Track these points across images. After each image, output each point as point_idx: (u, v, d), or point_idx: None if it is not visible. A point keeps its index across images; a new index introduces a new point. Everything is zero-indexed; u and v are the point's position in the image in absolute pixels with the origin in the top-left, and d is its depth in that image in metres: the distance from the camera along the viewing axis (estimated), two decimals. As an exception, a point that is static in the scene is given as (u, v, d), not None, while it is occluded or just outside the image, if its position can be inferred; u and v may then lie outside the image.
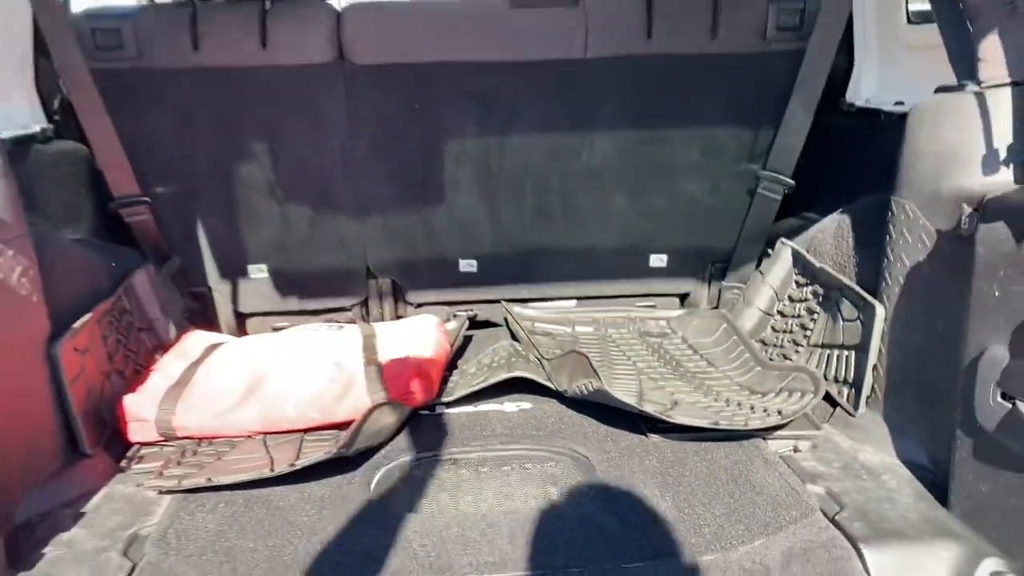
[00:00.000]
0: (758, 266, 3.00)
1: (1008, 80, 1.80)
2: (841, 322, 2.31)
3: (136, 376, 2.34)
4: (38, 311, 1.98)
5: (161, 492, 1.96)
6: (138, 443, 2.19)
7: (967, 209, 1.76)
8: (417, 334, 2.52)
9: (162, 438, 2.18)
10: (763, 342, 2.72)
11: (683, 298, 3.23)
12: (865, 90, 3.08)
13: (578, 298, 3.18)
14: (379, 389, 2.18)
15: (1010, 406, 1.59)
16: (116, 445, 2.17)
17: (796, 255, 2.67)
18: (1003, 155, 1.75)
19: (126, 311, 2.49)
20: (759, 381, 2.46)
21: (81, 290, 2.29)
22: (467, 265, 3.05)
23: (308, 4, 2.69)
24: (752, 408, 2.24)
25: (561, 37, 2.71)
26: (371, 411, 2.04)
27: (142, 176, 2.74)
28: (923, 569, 1.66)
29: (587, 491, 1.95)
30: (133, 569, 1.68)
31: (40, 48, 2.75)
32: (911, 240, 1.99)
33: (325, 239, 2.94)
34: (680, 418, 2.08)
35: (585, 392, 2.21)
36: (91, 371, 2.16)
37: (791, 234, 2.80)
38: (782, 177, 2.84)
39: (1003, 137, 1.76)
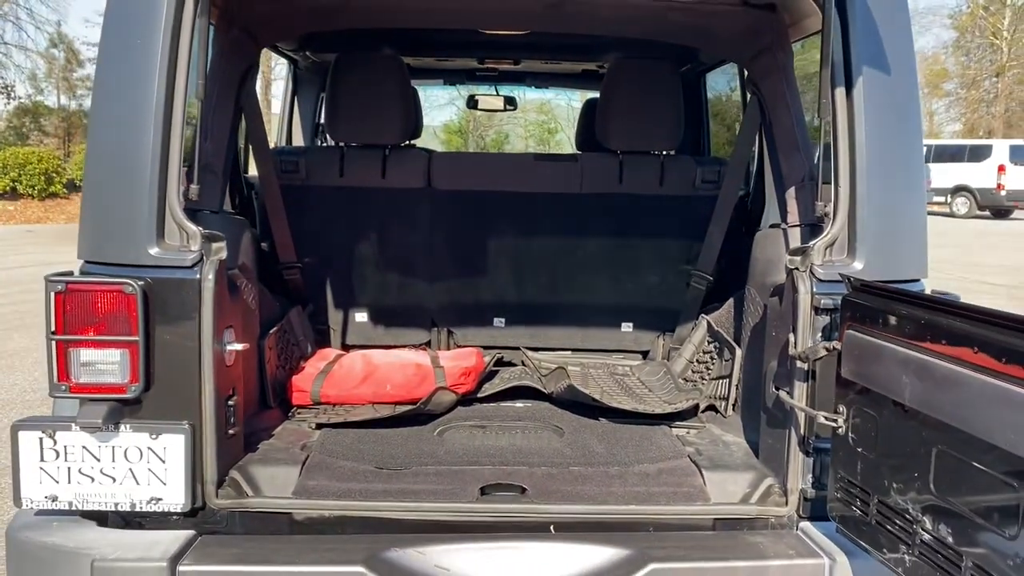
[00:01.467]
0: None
1: (798, 223, 3.32)
2: (722, 361, 3.79)
3: (291, 372, 3.87)
4: (256, 320, 3.53)
5: (318, 426, 3.46)
6: (297, 405, 3.70)
7: (769, 290, 3.26)
8: (464, 355, 4.05)
9: (311, 403, 3.69)
10: (685, 379, 4.19)
11: (644, 354, 4.72)
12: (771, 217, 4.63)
13: (572, 350, 4.68)
14: (442, 380, 3.70)
15: (776, 392, 3.02)
16: (283, 405, 3.69)
17: (709, 324, 4.17)
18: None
19: (286, 332, 4.06)
20: (672, 397, 3.93)
21: (269, 315, 3.87)
22: (499, 322, 4.59)
23: (412, 152, 4.37)
24: (662, 408, 3.71)
25: (565, 179, 4.34)
26: (436, 390, 3.55)
27: (298, 250, 4.35)
28: (734, 482, 3.06)
29: (558, 440, 3.42)
30: (308, 456, 3.15)
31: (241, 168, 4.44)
32: (752, 309, 3.48)
33: (406, 298, 4.51)
34: (613, 404, 3.55)
35: (562, 390, 3.70)
36: (273, 361, 3.70)
37: (708, 311, 4.31)
38: (704, 274, 4.36)
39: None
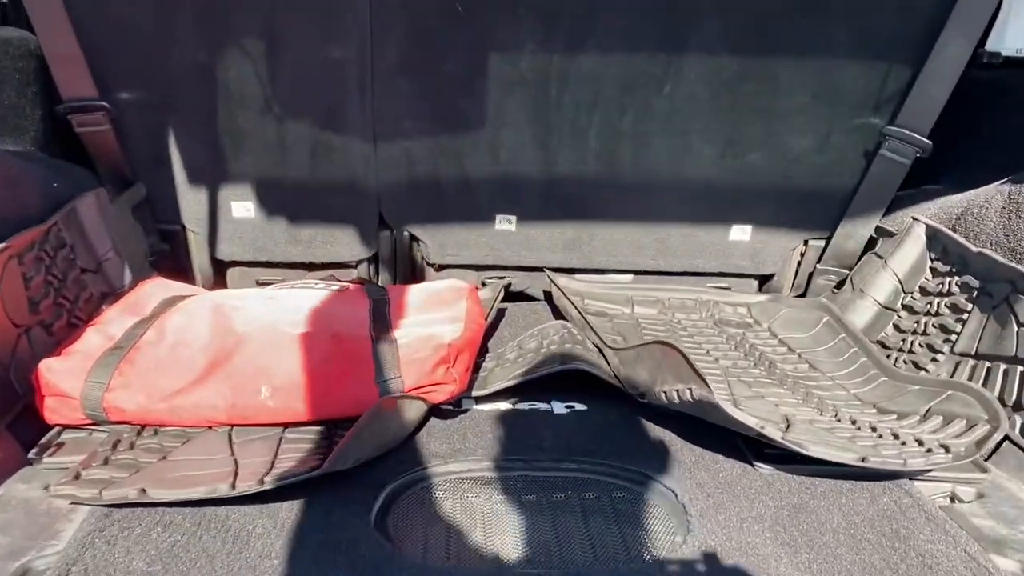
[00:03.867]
0: (868, 248, 2.40)
1: None
2: (1015, 327, 1.71)
3: (71, 333, 1.74)
4: None
5: (75, 503, 1.38)
6: (58, 425, 1.60)
7: None
8: (443, 303, 1.92)
9: (90, 421, 1.58)
10: (882, 344, 2.12)
11: (763, 280, 2.62)
12: (1014, 38, 2.47)
13: (635, 272, 2.57)
14: (392, 376, 1.58)
15: None
16: (26, 427, 1.58)
17: (934, 235, 2.08)
18: None
19: (64, 245, 1.90)
20: (889, 397, 1.87)
21: (4, 215, 1.70)
22: (505, 221, 2.44)
23: None
24: (897, 437, 1.64)
25: None
26: (378, 409, 1.44)
27: (101, 76, 2.13)
28: None
29: (683, 547, 1.36)
30: None
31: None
32: None
33: (330, 174, 2.32)
34: (815, 449, 1.49)
35: (676, 401, 1.61)
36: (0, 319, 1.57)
37: (920, 209, 2.20)
38: (916, 136, 2.22)
39: None
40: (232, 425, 1.59)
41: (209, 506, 1.38)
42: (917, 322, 2.04)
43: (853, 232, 2.41)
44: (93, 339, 1.66)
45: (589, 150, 2.32)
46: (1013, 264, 1.76)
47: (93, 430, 1.61)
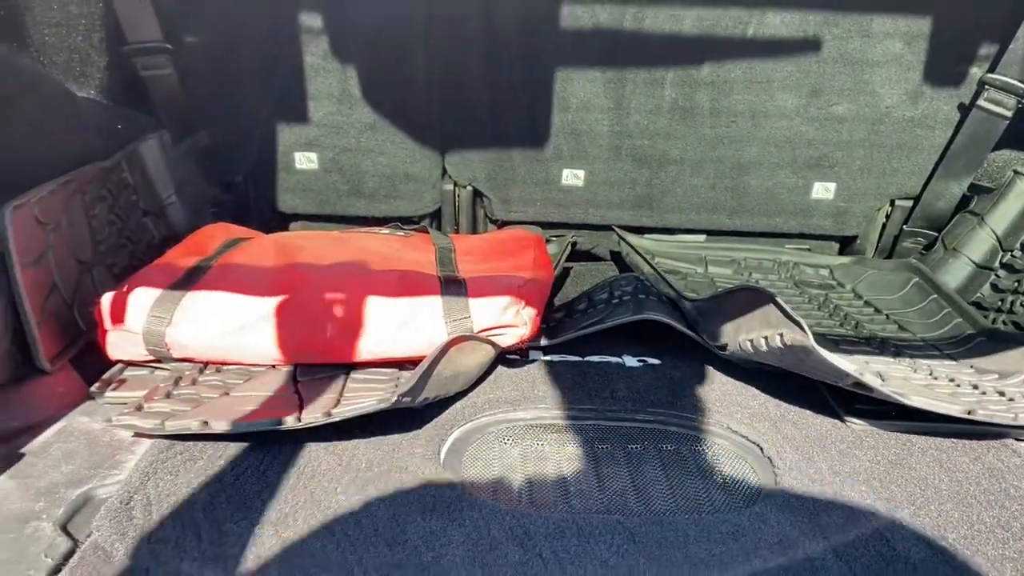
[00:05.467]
0: (961, 207, 2.25)
1: None
2: None
3: (132, 273, 1.71)
4: None
5: (137, 434, 1.34)
6: (120, 361, 1.57)
7: None
8: (511, 251, 1.84)
9: (152, 357, 1.55)
10: (978, 304, 1.99)
11: (845, 242, 2.49)
12: None
13: (709, 232, 2.46)
14: (461, 315, 1.51)
15: None
16: (89, 362, 1.55)
17: (1039, 188, 1.93)
18: None
19: (127, 186, 1.87)
20: (987, 356, 1.73)
21: (67, 150, 1.67)
22: (572, 176, 2.35)
23: None
24: (1003, 394, 1.52)
25: None
26: (447, 347, 1.37)
27: (167, 18, 2.09)
28: None
29: (771, 499, 1.27)
30: (71, 553, 1.07)
31: None
32: None
33: (394, 126, 2.26)
34: (916, 399, 1.37)
35: (763, 349, 1.51)
36: (61, 256, 1.54)
37: (1021, 162, 2.05)
38: (1019, 84, 2.06)
39: None
40: (297, 364, 1.54)
41: (273, 444, 1.33)
42: (1019, 281, 1.90)
43: (945, 191, 2.26)
44: (156, 276, 1.62)
45: (664, 100, 2.21)
46: None
47: (155, 367, 1.57)
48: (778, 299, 1.44)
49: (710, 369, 1.68)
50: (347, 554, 1.08)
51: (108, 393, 1.48)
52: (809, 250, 2.44)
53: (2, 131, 1.44)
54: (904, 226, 2.36)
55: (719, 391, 1.60)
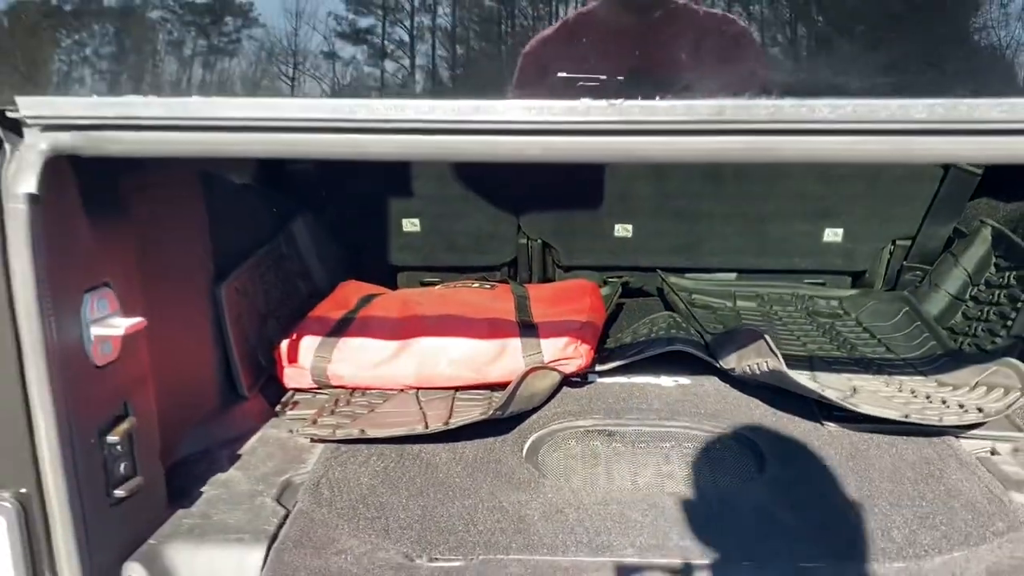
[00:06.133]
0: (946, 247, 2.72)
1: None
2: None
3: (292, 321, 2.34)
4: (199, 259, 1.98)
5: (314, 440, 1.95)
6: (293, 389, 2.19)
7: None
8: (572, 297, 2.41)
9: (316, 386, 2.17)
10: (951, 330, 2.45)
11: (856, 276, 2.97)
12: None
13: (739, 271, 2.98)
14: (534, 351, 2.09)
15: None
16: (271, 389, 2.18)
17: (999, 235, 2.39)
18: None
19: (284, 257, 2.51)
20: (949, 372, 2.22)
21: (245, 234, 2.31)
22: (622, 230, 2.91)
23: None
24: (944, 402, 2.01)
25: None
26: (526, 374, 1.95)
27: None
28: None
29: (758, 479, 1.80)
30: (286, 517, 1.66)
31: None
32: None
33: (478, 195, 2.86)
34: (865, 407, 1.88)
35: (756, 372, 2.04)
36: (251, 314, 2.17)
37: (989, 213, 2.51)
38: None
39: None
40: (418, 388, 2.14)
41: (407, 444, 1.91)
42: (981, 311, 2.36)
43: (935, 233, 2.73)
44: (315, 326, 2.24)
45: (695, 168, 2.75)
46: None
47: (316, 393, 2.19)
48: (766, 336, 1.97)
49: (724, 386, 2.20)
50: (464, 517, 1.66)
51: (288, 412, 2.10)
52: (824, 284, 2.93)
53: (222, 232, 2.07)
54: (904, 262, 2.84)
55: (731, 403, 2.12)
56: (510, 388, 1.90)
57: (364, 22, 1.51)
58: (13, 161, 1.22)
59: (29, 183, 1.20)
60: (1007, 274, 2.30)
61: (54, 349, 1.31)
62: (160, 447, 1.66)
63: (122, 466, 1.51)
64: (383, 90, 1.51)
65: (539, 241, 2.96)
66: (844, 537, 1.58)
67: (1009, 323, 2.22)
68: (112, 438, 1.47)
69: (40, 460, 1.35)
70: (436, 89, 1.52)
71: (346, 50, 1.49)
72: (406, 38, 1.49)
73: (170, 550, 1.55)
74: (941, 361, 2.29)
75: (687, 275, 2.98)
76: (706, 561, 1.52)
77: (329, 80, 1.49)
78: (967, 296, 2.46)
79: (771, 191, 2.77)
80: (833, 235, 2.85)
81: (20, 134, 1.24)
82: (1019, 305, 2.20)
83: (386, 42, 1.49)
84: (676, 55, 1.52)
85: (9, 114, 1.22)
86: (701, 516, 1.65)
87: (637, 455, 1.93)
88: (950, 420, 1.88)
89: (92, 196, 1.38)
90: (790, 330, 2.62)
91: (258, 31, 1.47)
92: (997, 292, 2.32)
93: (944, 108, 1.16)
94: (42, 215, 1.24)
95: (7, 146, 1.24)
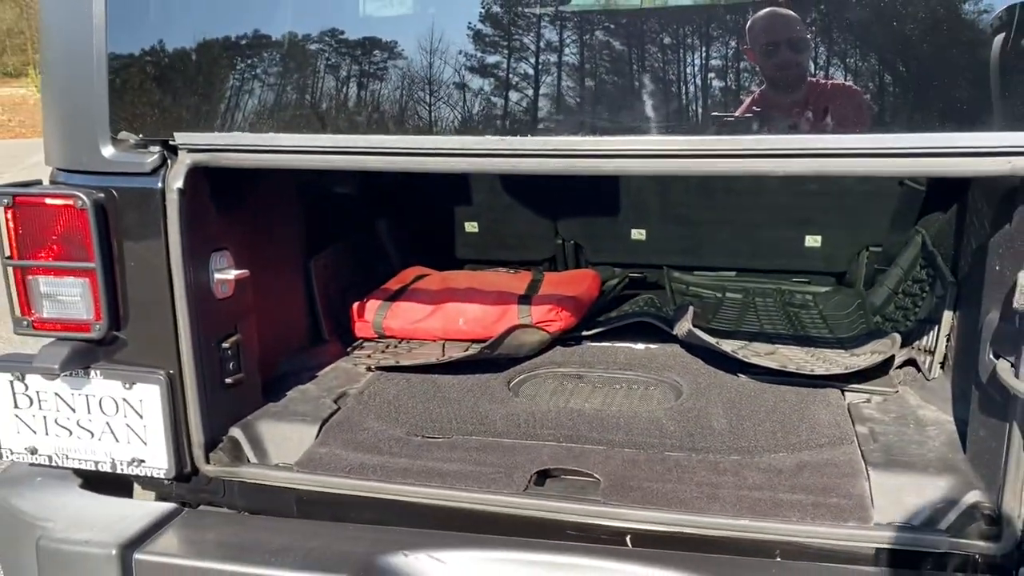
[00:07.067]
0: (904, 251, 3.24)
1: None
2: (933, 297, 2.58)
3: (367, 291, 3.19)
4: (295, 237, 2.83)
5: (368, 369, 2.78)
6: (361, 337, 3.04)
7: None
8: (575, 282, 3.14)
9: (375, 335, 3.01)
10: (884, 317, 2.99)
11: (839, 277, 3.51)
12: None
13: (737, 270, 3.59)
14: (526, 315, 2.84)
15: (993, 361, 1.86)
16: (346, 337, 3.04)
17: (924, 240, 2.91)
18: None
19: (366, 245, 3.38)
20: (861, 346, 2.77)
21: (334, 227, 3.19)
22: (637, 233, 3.60)
23: None
24: (834, 363, 2.59)
25: None
26: (513, 328, 2.71)
27: None
28: (916, 492, 1.98)
29: (669, 406, 2.47)
30: (336, 411, 2.48)
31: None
32: (975, 223, 2.25)
33: (523, 205, 3.64)
34: (754, 359, 2.51)
35: (684, 332, 2.70)
36: (335, 282, 3.04)
37: (929, 224, 3.03)
38: (926, 170, 3.05)
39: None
40: (444, 339, 2.95)
41: (428, 373, 2.70)
42: (905, 301, 2.90)
43: (896, 241, 3.25)
44: (380, 294, 3.09)
45: (691, 183, 3.42)
46: (940, 259, 2.61)
47: (377, 340, 3.03)
48: (690, 309, 2.63)
49: (679, 350, 2.85)
50: (450, 415, 2.43)
51: (355, 352, 2.95)
52: (809, 282, 3.50)
53: (314, 223, 2.94)
54: (876, 265, 3.37)
55: (676, 360, 2.78)
56: (498, 335, 2.66)
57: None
58: (172, 170, 2.12)
59: (179, 182, 2.09)
60: (924, 271, 2.83)
61: (191, 286, 2.19)
62: (261, 363, 2.52)
63: (231, 364, 2.36)
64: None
65: (572, 241, 3.70)
66: (704, 440, 2.23)
67: (917, 310, 2.76)
68: (225, 345, 2.34)
69: (181, 353, 2.22)
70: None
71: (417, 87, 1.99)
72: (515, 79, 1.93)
73: (259, 424, 2.39)
74: (860, 338, 2.85)
75: (695, 272, 3.62)
76: (601, 447, 2.22)
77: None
78: (900, 290, 2.99)
79: (756, 202, 3.38)
80: (813, 241, 3.42)
81: (176, 153, 2.13)
82: (925, 295, 2.73)
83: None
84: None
85: (171, 142, 2.12)
86: (612, 421, 2.35)
87: (594, 392, 2.64)
88: (817, 370, 2.48)
89: (218, 192, 2.27)
90: (758, 316, 3.22)
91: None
92: (915, 285, 2.84)
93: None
94: (187, 203, 2.13)
95: (169, 160, 2.14)
